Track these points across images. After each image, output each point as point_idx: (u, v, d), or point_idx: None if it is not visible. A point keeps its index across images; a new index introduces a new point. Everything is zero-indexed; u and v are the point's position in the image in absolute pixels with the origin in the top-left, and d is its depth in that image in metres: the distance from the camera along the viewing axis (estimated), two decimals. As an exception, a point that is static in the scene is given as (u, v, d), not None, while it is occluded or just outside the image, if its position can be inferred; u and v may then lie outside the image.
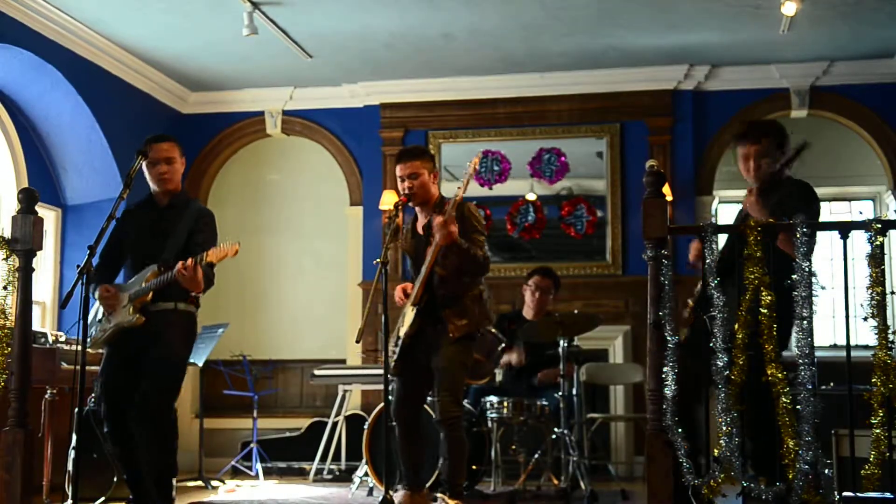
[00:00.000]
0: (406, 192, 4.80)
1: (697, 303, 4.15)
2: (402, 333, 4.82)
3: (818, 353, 3.53)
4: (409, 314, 4.79)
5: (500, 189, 8.17)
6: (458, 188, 4.66)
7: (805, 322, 3.50)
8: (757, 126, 4.41)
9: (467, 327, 4.72)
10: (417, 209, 4.94)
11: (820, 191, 9.73)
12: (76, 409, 4.48)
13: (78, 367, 4.05)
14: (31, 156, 7.24)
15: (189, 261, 4.22)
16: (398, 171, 4.83)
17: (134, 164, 4.52)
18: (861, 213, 8.74)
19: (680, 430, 3.56)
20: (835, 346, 8.00)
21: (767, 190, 4.16)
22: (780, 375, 3.50)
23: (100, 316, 4.59)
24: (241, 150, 8.87)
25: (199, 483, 6.88)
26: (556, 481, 5.84)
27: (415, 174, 4.77)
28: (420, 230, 4.91)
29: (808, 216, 3.68)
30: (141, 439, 4.40)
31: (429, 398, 4.98)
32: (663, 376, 3.59)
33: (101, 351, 4.65)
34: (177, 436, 4.53)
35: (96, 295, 4.52)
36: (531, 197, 8.09)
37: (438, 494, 4.78)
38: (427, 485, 5.15)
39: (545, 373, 6.35)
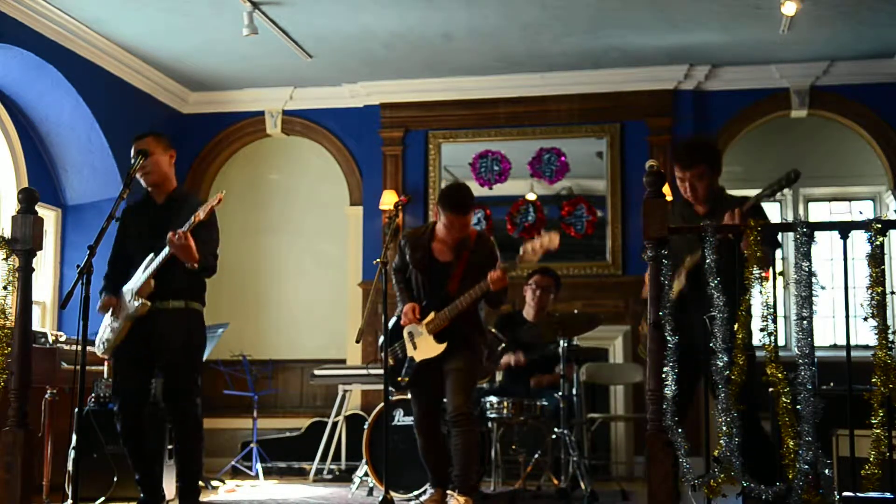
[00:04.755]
0: (454, 243, 5.01)
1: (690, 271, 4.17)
2: (415, 356, 4.97)
3: (818, 353, 3.53)
4: (424, 338, 4.96)
5: (500, 189, 8.17)
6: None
7: (805, 322, 3.50)
8: (690, 152, 4.42)
9: (483, 338, 5.16)
10: (442, 236, 5.08)
11: (820, 191, 9.74)
12: (76, 409, 4.49)
13: (78, 367, 4.07)
14: (31, 156, 7.24)
15: (180, 231, 4.31)
16: (451, 219, 4.94)
17: (134, 163, 4.54)
18: (861, 213, 8.73)
19: (680, 431, 3.57)
20: (835, 346, 8.00)
21: (714, 209, 4.25)
22: (780, 375, 3.50)
23: (111, 326, 4.62)
24: (241, 150, 8.88)
25: (200, 483, 6.85)
26: (556, 481, 5.84)
27: (465, 225, 5.00)
28: (438, 257, 5.06)
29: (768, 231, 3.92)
30: (157, 437, 4.70)
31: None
32: (663, 376, 3.60)
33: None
34: (202, 434, 4.74)
35: (100, 304, 4.58)
36: (531, 197, 8.09)
37: (448, 492, 4.91)
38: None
39: (538, 379, 6.34)
